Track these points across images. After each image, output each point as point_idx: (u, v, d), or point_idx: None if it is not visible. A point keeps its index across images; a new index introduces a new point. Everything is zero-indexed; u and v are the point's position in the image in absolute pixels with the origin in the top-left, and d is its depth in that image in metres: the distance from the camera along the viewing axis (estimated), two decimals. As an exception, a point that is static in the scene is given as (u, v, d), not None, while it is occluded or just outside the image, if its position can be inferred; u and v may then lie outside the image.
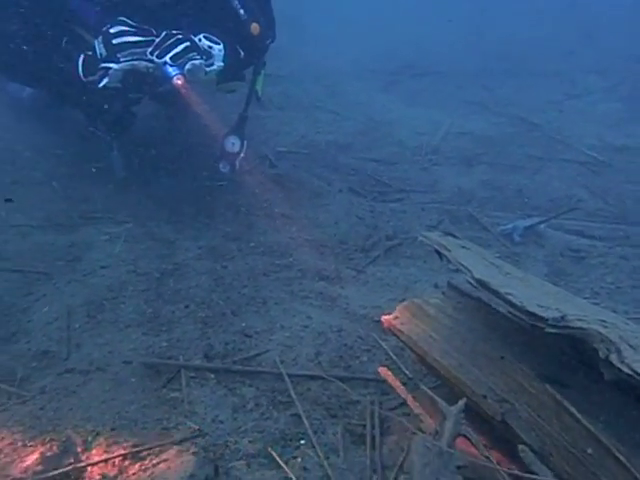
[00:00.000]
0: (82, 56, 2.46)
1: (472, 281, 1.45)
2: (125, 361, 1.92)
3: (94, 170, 3.14)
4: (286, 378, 1.85)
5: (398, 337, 1.71)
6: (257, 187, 3.17)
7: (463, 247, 1.65)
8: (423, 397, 1.61)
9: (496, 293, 1.37)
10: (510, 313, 1.37)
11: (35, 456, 1.53)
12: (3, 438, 1.60)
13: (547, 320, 1.18)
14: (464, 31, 7.10)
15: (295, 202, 3.14)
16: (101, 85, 2.41)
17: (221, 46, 2.56)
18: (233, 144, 3.12)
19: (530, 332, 1.36)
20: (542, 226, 2.98)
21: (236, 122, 3.16)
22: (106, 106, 2.71)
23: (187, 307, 2.22)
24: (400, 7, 7.89)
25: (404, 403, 1.67)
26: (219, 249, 2.64)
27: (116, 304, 2.21)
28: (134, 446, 1.60)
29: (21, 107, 3.60)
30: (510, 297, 1.32)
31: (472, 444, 1.34)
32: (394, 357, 1.96)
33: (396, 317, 1.73)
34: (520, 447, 1.24)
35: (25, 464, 1.51)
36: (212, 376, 1.89)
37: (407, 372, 1.89)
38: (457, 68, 6.07)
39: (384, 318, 1.75)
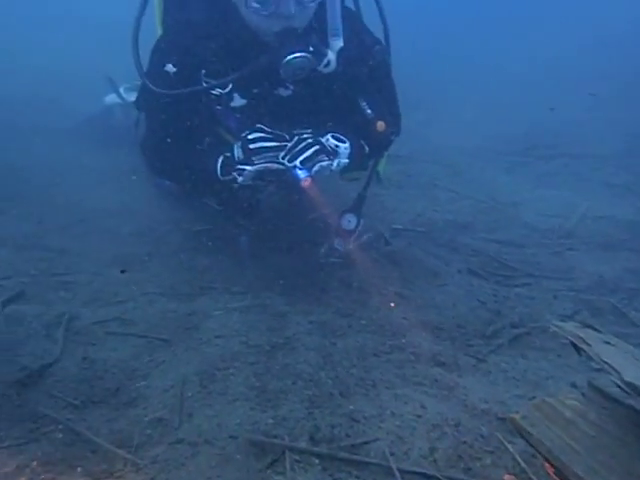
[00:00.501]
0: (221, 157, 2.72)
1: (622, 384, 1.25)
2: (232, 436, 1.91)
3: (210, 244, 3.37)
4: (397, 474, 1.71)
5: (527, 440, 1.51)
6: (371, 264, 3.14)
7: (607, 342, 1.45)
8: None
9: (654, 401, 1.16)
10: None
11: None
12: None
13: None
14: (603, 108, 6.70)
15: (410, 281, 3.06)
16: (235, 184, 2.68)
17: (347, 144, 2.71)
18: (349, 222, 3.18)
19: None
20: None
21: (354, 201, 3.25)
22: (236, 198, 2.95)
23: (294, 383, 2.18)
24: (527, 83, 7.75)
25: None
26: (330, 325, 2.62)
27: (227, 375, 2.24)
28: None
29: (162, 190, 4.02)
30: (673, 408, 1.11)
31: None
32: (523, 464, 1.74)
33: (525, 417, 1.54)
34: None
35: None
36: (317, 461, 1.80)
37: (539, 484, 1.66)
38: (594, 148, 5.71)
39: (511, 416, 1.57)
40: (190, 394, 2.12)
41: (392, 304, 2.80)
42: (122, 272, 3.01)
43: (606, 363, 1.31)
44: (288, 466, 1.78)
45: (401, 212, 4.22)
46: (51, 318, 2.53)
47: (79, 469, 1.77)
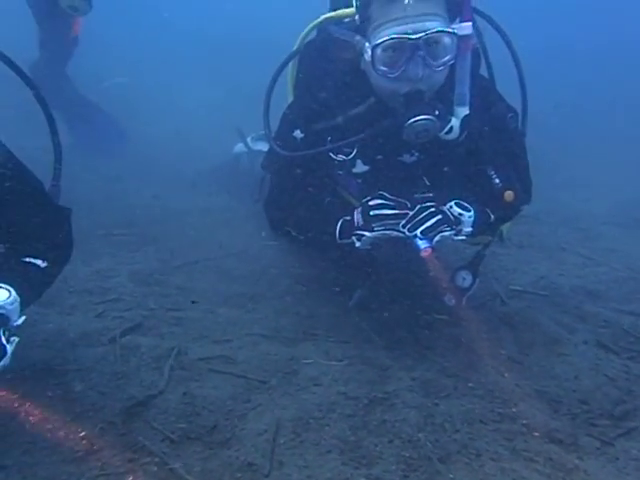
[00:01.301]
0: (341, 221, 2.80)
1: None
2: (321, 492, 1.87)
3: (318, 291, 3.43)
4: None
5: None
6: (483, 324, 2.99)
7: None
8: None
9: None
10: None
11: None
12: None
13: None
14: None
15: (526, 346, 2.86)
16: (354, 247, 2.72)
17: (472, 212, 2.67)
18: (464, 279, 3.07)
19: None
20: None
21: (472, 258, 3.16)
22: (353, 256, 3.00)
23: (391, 442, 2.10)
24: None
25: None
26: (433, 384, 2.51)
27: (321, 425, 2.22)
28: None
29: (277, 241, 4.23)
30: None
31: None
32: None
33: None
34: None
35: None
36: (408, 531, 1.70)
37: None
38: None
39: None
40: (282, 441, 2.12)
41: (505, 373, 2.62)
42: (193, 302, 3.24)
43: None
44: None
45: (521, 273, 4.00)
46: (162, 351, 2.70)
47: (169, 505, 1.84)
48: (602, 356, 2.78)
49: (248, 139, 5.61)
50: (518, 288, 3.65)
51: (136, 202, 5.10)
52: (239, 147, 5.77)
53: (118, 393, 2.35)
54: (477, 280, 3.09)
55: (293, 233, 3.26)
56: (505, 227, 3.31)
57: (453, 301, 3.04)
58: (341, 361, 2.70)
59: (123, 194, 5.31)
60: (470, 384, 2.53)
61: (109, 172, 5.89)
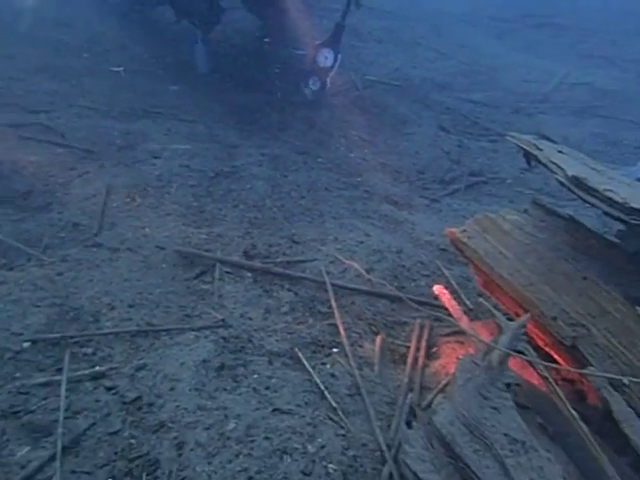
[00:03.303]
0: None
1: (565, 181, 1.28)
2: (159, 246, 1.91)
3: (160, 70, 3.26)
4: (329, 287, 1.78)
5: (462, 252, 1.58)
6: (338, 108, 3.09)
7: (559, 152, 1.48)
8: (480, 325, 1.49)
9: (593, 190, 1.20)
10: (607, 215, 1.19)
11: (40, 317, 1.55)
12: (10, 293, 1.62)
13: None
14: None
15: (376, 127, 3.04)
16: None
17: None
18: (326, 58, 3.05)
19: (623, 251, 1.19)
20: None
21: (332, 33, 3.08)
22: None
23: (236, 207, 2.20)
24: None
25: (458, 332, 1.56)
26: (283, 159, 2.60)
27: (161, 193, 2.22)
28: (149, 325, 1.60)
29: (108, 7, 3.80)
30: (610, 194, 1.16)
31: (530, 365, 1.20)
32: (456, 286, 1.83)
33: (463, 230, 1.60)
34: (590, 369, 1.09)
35: (27, 322, 1.53)
36: (249, 274, 1.84)
37: (468, 303, 1.76)
38: (584, 21, 5.83)
39: (448, 230, 1.62)
40: (115, 205, 2.09)
41: (354, 150, 2.79)
42: None
43: (553, 163, 1.34)
44: (217, 276, 1.81)
45: (378, 65, 4.13)
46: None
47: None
48: (441, 135, 3.08)
49: None
50: (373, 78, 3.78)
51: None
52: None
53: None
54: (339, 57, 3.09)
55: None
56: None
57: (318, 84, 3.07)
58: (187, 138, 2.66)
59: None
60: (320, 160, 2.66)
61: None
